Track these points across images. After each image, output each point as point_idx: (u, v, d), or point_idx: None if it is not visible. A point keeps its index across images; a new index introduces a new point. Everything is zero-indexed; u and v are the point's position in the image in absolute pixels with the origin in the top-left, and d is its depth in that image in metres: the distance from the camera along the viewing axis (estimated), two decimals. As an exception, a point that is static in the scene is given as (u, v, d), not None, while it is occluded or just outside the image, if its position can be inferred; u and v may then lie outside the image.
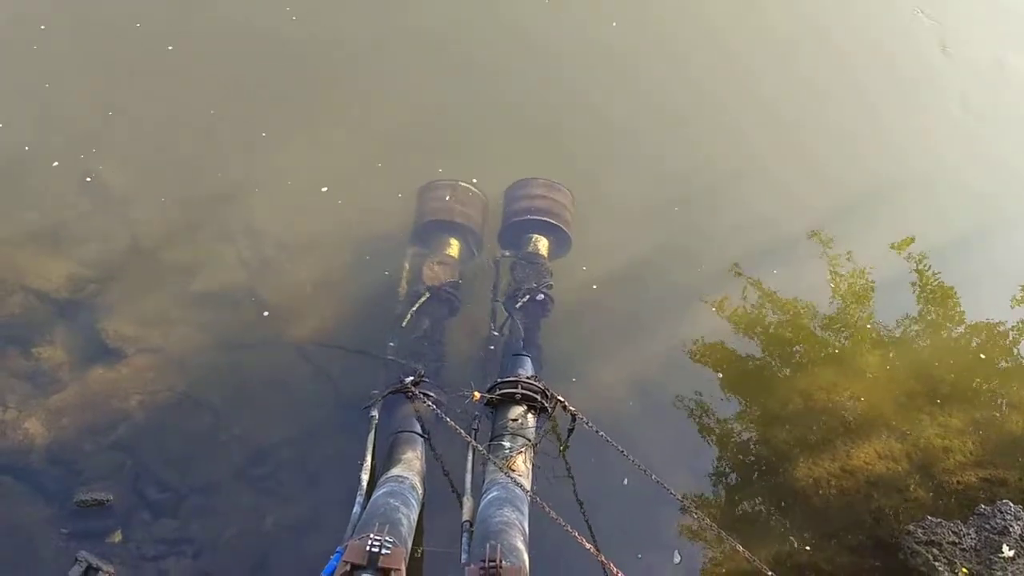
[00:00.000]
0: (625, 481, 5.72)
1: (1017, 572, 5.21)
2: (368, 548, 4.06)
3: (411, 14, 9.03)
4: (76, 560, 4.90)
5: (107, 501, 5.37)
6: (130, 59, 8.31)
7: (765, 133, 8.58)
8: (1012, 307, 7.46)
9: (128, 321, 6.37)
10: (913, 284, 7.55)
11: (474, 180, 7.11)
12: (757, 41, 9.45)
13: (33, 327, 6.26)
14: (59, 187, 7.19)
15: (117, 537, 5.27)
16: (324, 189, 7.40)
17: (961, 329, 7.23)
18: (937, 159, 8.63)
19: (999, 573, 5.23)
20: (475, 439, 5.40)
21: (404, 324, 6.30)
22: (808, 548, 5.65)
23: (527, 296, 6.49)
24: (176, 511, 5.45)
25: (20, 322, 6.28)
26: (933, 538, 5.49)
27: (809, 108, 8.93)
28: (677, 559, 5.59)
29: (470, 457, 5.38)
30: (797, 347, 6.94)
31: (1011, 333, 7.26)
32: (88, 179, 7.22)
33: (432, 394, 5.59)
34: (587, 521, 5.52)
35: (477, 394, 5.66)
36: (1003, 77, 9.41)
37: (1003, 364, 7.04)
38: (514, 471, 5.09)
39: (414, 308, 6.32)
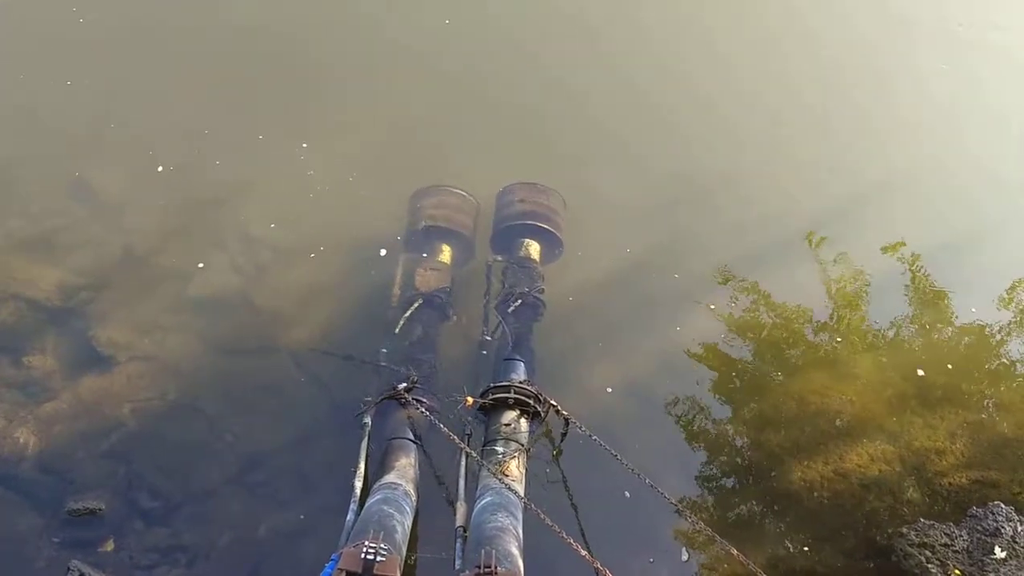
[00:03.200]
0: (627, 494, 5.71)
1: (1009, 573, 5.23)
2: (363, 555, 4.05)
3: (403, 19, 9.05)
4: (68, 569, 4.85)
5: (99, 510, 5.34)
6: (122, 64, 8.29)
7: (757, 135, 8.62)
8: (999, 308, 7.50)
9: (120, 328, 6.35)
10: (905, 287, 7.58)
11: (465, 185, 7.11)
12: (748, 43, 9.49)
13: (24, 335, 6.23)
14: (50, 194, 7.18)
15: (110, 546, 5.24)
16: (313, 193, 7.41)
17: (951, 331, 7.26)
18: (928, 161, 8.67)
19: (991, 574, 5.25)
20: (468, 445, 5.40)
21: (397, 330, 6.29)
22: (807, 548, 5.66)
23: (519, 301, 6.49)
24: (169, 519, 5.42)
25: (11, 330, 6.25)
26: (926, 540, 5.50)
27: (802, 110, 8.98)
28: (685, 556, 5.59)
29: (463, 463, 5.37)
30: (790, 350, 6.95)
31: (999, 334, 7.29)
32: (79, 186, 7.21)
33: (425, 400, 5.59)
34: (581, 526, 5.51)
35: (470, 399, 5.66)
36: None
37: (992, 366, 7.07)
38: (507, 476, 5.09)
39: (407, 314, 6.32)
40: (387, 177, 7.58)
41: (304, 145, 7.79)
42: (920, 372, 6.74)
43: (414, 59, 8.70)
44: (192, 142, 7.71)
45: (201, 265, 6.84)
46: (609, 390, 6.41)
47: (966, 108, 9.21)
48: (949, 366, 6.87)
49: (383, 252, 7.01)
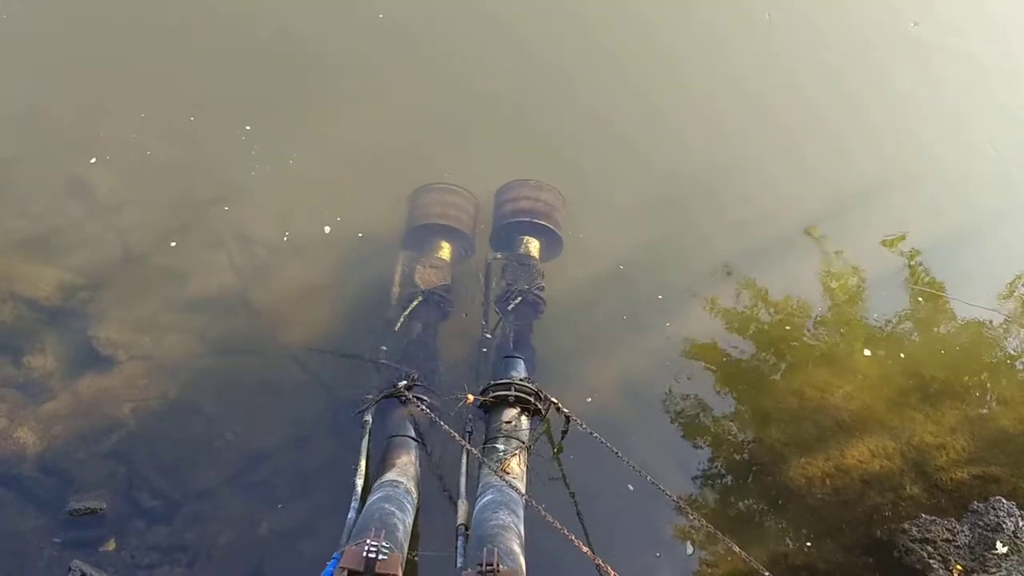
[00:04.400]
0: (630, 487, 5.71)
1: (1011, 568, 5.24)
2: (365, 554, 4.05)
3: (399, 17, 9.02)
4: (69, 569, 4.85)
5: (100, 509, 5.33)
6: (119, 64, 8.27)
7: (756, 131, 8.60)
8: (999, 303, 7.50)
9: (119, 328, 6.33)
10: (904, 281, 7.58)
11: (464, 183, 7.10)
12: (746, 38, 9.47)
13: (23, 335, 6.21)
14: (49, 194, 7.15)
15: (111, 546, 5.24)
16: (310, 192, 7.40)
17: (951, 326, 7.26)
18: (926, 156, 8.66)
19: (993, 569, 5.25)
20: (469, 442, 5.39)
21: (396, 328, 6.29)
22: (808, 544, 5.66)
23: (519, 298, 6.49)
24: (170, 518, 5.42)
25: (10, 330, 6.23)
26: (927, 536, 5.51)
27: (800, 105, 8.96)
28: (689, 550, 5.60)
29: (464, 460, 5.37)
30: (790, 346, 6.95)
31: (999, 329, 7.28)
32: (77, 186, 7.20)
33: (425, 398, 5.59)
34: (582, 523, 5.51)
35: (470, 397, 5.66)
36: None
37: (992, 360, 7.06)
38: (509, 474, 5.09)
39: (406, 312, 6.31)
40: (386, 175, 7.56)
41: (302, 143, 7.75)
42: (866, 353, 6.74)
43: (412, 58, 8.66)
44: (190, 141, 7.68)
45: (199, 264, 6.84)
46: (594, 397, 6.38)
47: (967, 102, 9.20)
48: (948, 360, 6.87)
49: (327, 229, 7.04)
